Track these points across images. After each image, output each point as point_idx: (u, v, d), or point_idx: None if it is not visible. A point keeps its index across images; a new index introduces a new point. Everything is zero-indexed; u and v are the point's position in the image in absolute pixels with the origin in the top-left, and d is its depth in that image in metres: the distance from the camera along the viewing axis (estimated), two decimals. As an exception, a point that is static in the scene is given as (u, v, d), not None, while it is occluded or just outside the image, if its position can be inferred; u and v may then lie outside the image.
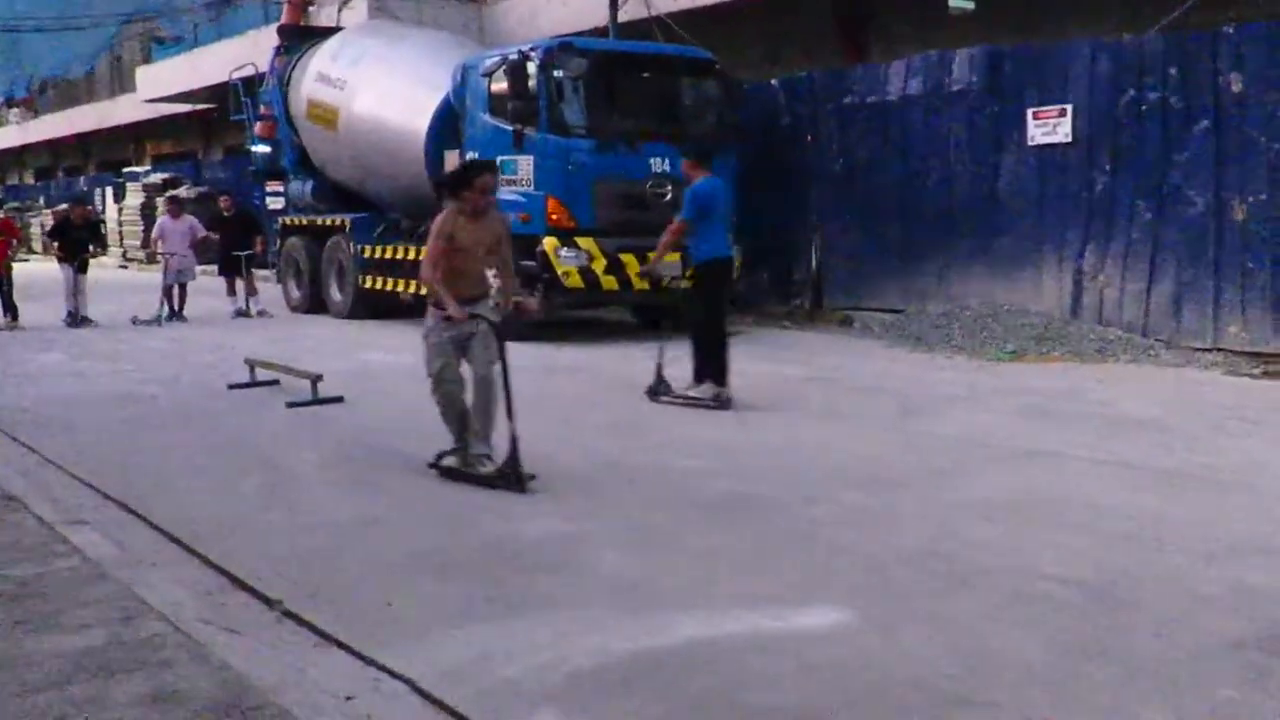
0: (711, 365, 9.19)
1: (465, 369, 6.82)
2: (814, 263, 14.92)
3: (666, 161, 12.89)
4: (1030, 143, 12.63)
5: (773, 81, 15.70)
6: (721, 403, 9.07)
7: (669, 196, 12.73)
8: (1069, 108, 12.25)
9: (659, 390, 9.33)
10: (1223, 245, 11.13)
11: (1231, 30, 11.14)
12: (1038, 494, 6.36)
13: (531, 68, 12.87)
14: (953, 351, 11.97)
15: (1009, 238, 12.91)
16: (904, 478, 6.79)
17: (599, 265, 12.73)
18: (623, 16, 17.37)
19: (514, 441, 6.42)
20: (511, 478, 6.45)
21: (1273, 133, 10.79)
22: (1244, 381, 10.18)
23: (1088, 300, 12.21)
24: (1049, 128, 12.46)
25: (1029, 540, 5.48)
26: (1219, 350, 11.02)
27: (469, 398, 6.77)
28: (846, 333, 13.81)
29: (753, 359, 11.11)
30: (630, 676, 3.96)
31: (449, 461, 6.83)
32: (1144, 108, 11.72)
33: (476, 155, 13.62)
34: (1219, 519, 5.81)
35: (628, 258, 12.72)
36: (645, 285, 12.82)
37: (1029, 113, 12.60)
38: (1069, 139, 12.29)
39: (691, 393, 9.21)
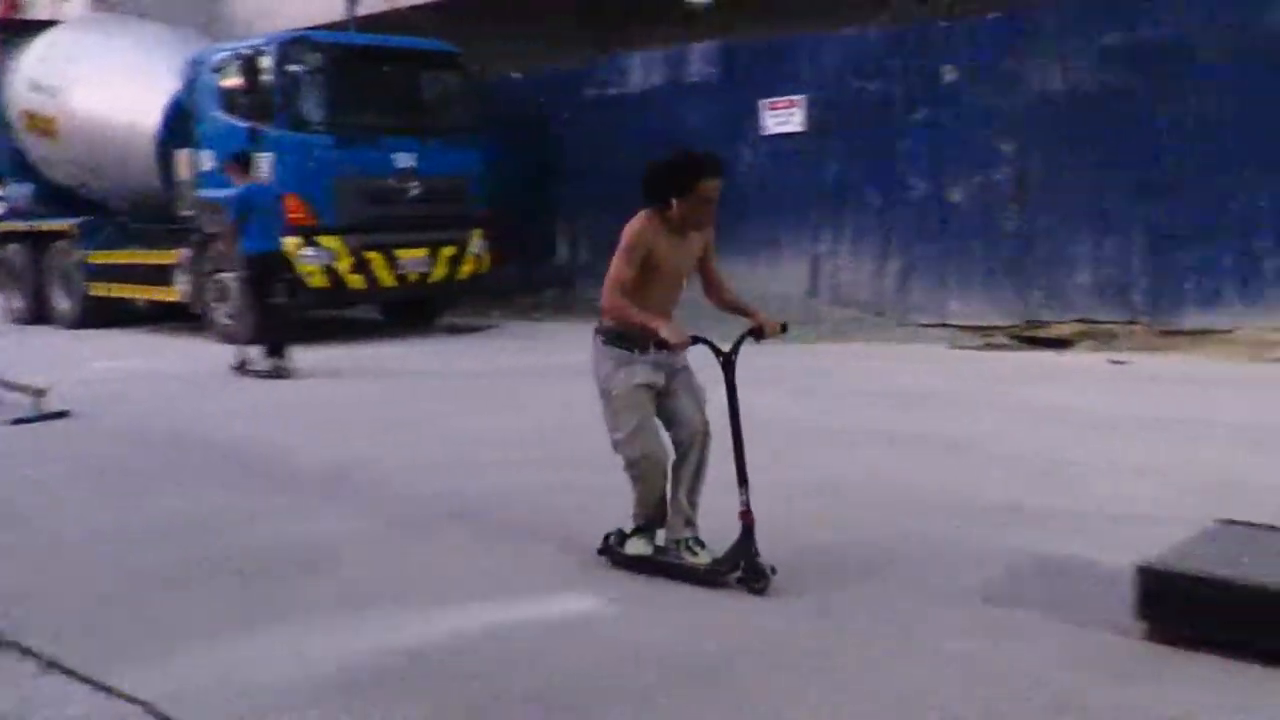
0: (270, 341, 10.58)
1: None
2: (563, 254, 15.02)
3: (411, 156, 12.72)
4: (765, 132, 13.08)
5: (515, 75, 15.71)
6: (279, 373, 10.37)
7: (415, 191, 12.57)
8: (801, 99, 12.76)
9: (241, 366, 10.62)
10: (944, 227, 11.83)
11: (945, 25, 11.84)
12: (787, 464, 6.49)
13: (266, 62, 12.46)
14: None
15: (749, 224, 13.32)
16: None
17: (344, 264, 12.44)
18: (363, 10, 17.01)
19: (748, 518, 4.62)
20: (748, 571, 4.59)
21: (984, 120, 11.53)
22: (969, 354, 10.82)
23: (824, 282, 12.75)
24: (783, 118, 12.94)
25: (783, 513, 5.63)
26: (945, 326, 11.71)
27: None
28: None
29: (504, 352, 11.09)
30: (378, 679, 3.90)
31: (637, 548, 4.94)
32: (868, 98, 12.31)
33: (214, 153, 13.07)
34: (964, 482, 6.15)
35: (374, 255, 12.49)
36: (392, 282, 12.65)
37: (763, 104, 13.05)
38: (803, 128, 12.79)
39: (258, 365, 10.54)
